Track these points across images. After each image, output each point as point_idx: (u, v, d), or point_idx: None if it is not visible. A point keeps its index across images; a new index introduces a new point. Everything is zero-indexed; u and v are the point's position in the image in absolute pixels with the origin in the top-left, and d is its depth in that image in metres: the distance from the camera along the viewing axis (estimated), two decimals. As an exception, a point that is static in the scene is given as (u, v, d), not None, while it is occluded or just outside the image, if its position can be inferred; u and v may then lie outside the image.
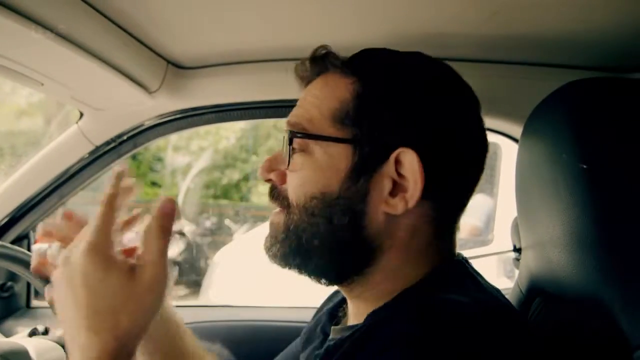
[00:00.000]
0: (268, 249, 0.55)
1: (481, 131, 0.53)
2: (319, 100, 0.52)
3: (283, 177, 0.54)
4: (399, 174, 0.48)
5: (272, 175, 0.55)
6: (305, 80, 0.58)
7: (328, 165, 0.50)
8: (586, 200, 0.49)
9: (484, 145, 0.53)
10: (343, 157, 0.49)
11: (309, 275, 0.53)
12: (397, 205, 0.48)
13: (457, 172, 0.51)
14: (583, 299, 0.52)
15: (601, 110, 0.51)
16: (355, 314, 0.55)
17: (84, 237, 0.44)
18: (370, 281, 0.51)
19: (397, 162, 0.48)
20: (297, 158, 0.51)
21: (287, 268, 0.54)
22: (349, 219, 0.49)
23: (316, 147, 0.50)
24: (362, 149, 0.49)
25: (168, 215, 0.45)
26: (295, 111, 0.55)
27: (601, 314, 0.49)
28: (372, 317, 0.47)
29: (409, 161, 0.47)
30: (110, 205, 0.45)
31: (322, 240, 0.50)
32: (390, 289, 0.50)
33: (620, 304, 0.47)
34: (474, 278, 0.52)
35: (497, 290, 0.52)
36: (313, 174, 0.50)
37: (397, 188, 0.48)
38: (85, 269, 0.43)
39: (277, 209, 0.55)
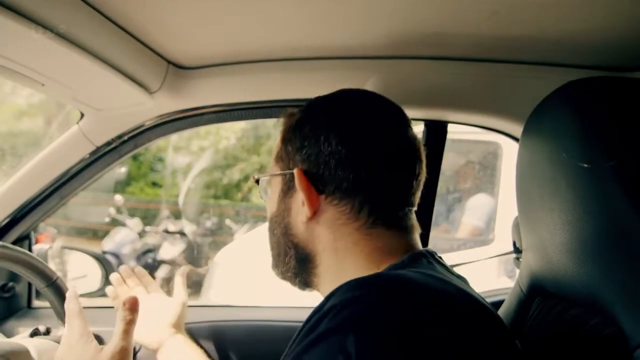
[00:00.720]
0: None
1: (386, 137, 0.60)
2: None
3: None
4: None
5: None
6: None
7: (272, 194, 0.66)
8: (587, 199, 0.49)
9: (393, 148, 0.60)
10: (279, 185, 0.64)
11: (286, 281, 0.67)
12: (305, 213, 0.59)
13: (359, 180, 0.58)
14: (584, 298, 0.52)
15: (602, 109, 0.51)
16: None
17: (70, 328, 0.70)
18: (324, 283, 0.61)
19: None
20: (267, 193, 0.68)
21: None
22: (282, 230, 0.63)
23: (270, 183, 0.67)
24: (285, 177, 0.63)
25: (130, 310, 0.68)
26: None
27: (602, 313, 0.49)
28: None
29: (297, 178, 0.59)
30: (78, 315, 0.71)
31: (274, 250, 0.66)
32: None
33: (621, 303, 0.47)
34: (432, 264, 0.55)
35: (462, 278, 0.56)
36: (268, 202, 0.67)
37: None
38: (69, 344, 0.69)
39: None
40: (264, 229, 0.67)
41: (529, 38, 0.78)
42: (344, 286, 0.47)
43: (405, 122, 0.63)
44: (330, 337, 0.42)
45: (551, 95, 0.57)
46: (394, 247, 0.58)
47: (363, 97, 0.65)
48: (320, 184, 0.59)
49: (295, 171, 0.60)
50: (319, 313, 0.45)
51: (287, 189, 0.63)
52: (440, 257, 0.59)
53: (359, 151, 0.58)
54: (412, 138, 0.62)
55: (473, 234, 2.71)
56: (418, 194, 0.62)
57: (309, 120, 0.63)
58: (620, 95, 0.53)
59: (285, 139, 0.64)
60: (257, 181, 0.70)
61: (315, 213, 0.59)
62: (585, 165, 0.48)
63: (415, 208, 0.62)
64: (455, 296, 0.48)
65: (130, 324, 0.67)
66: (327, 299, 0.47)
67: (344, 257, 0.59)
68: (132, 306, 0.68)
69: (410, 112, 0.65)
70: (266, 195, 0.68)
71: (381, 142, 0.59)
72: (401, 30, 0.78)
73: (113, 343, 0.66)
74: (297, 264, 0.63)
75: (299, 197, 0.60)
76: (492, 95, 0.89)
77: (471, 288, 0.55)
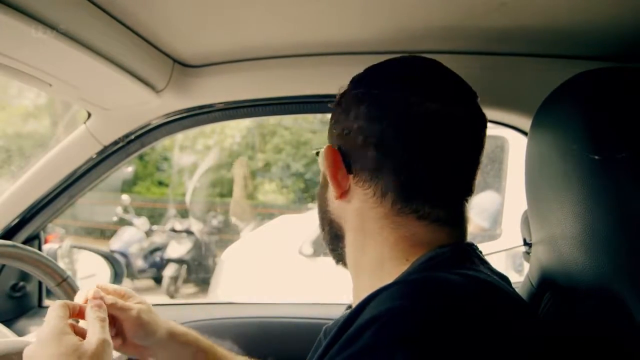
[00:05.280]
0: None
1: (425, 114, 0.53)
2: None
3: None
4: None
5: None
6: None
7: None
8: (598, 191, 0.48)
9: (433, 128, 0.53)
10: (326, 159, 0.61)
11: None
12: (334, 192, 0.58)
13: (383, 162, 0.53)
14: (596, 291, 0.51)
15: (612, 100, 0.51)
16: (355, 298, 0.60)
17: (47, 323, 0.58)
18: (349, 262, 0.60)
19: None
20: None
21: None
22: (321, 205, 0.63)
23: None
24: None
25: (100, 307, 0.61)
26: None
27: (614, 307, 0.48)
28: (366, 298, 0.47)
29: (325, 155, 0.58)
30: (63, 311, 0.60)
31: (319, 223, 0.65)
32: (366, 270, 0.56)
33: (634, 296, 0.47)
34: (474, 263, 0.52)
35: (505, 278, 0.53)
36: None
37: None
38: (44, 339, 0.56)
39: None
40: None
41: (536, 30, 0.77)
42: (385, 291, 0.44)
43: (461, 97, 0.55)
44: (375, 353, 0.38)
45: (560, 88, 0.56)
46: (425, 240, 0.53)
47: (409, 66, 0.59)
48: (349, 162, 0.56)
49: (324, 148, 0.59)
50: (358, 321, 0.42)
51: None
52: (481, 252, 0.56)
53: (386, 129, 0.52)
54: (468, 117, 0.55)
55: (479, 230, 2.71)
56: (473, 182, 0.57)
57: (347, 92, 0.59)
58: (631, 85, 0.52)
59: (333, 113, 0.62)
60: (317, 154, 0.66)
61: (345, 193, 0.57)
62: (596, 157, 0.48)
63: (469, 197, 0.57)
64: (504, 308, 0.45)
65: (104, 320, 0.60)
66: (365, 303, 0.44)
67: (369, 241, 0.56)
68: (100, 304, 0.62)
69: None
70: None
71: (416, 120, 0.52)
72: (408, 25, 0.78)
73: (95, 336, 0.57)
74: (330, 239, 0.63)
75: None
76: (500, 89, 0.89)
77: (513, 289, 0.52)
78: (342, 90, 0.61)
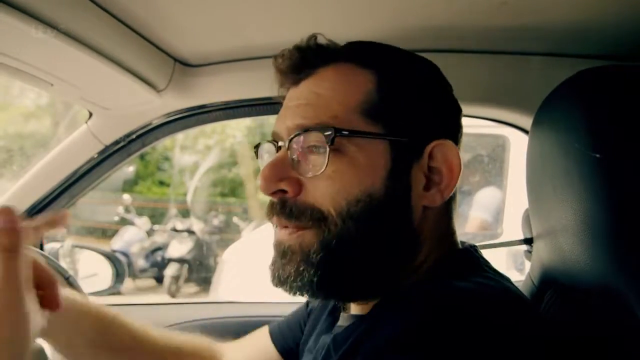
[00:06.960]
0: (293, 279, 0.45)
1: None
2: (338, 93, 0.47)
3: (299, 186, 0.47)
4: (429, 167, 0.48)
5: (283, 185, 0.47)
6: (295, 75, 0.52)
7: (367, 164, 0.45)
8: (599, 189, 0.48)
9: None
10: (380, 153, 0.46)
11: (350, 297, 0.49)
12: (435, 198, 0.47)
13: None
14: (597, 289, 0.51)
15: (613, 98, 0.51)
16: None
17: None
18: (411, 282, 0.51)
19: (430, 155, 0.48)
20: (331, 160, 0.44)
21: (321, 297, 0.49)
22: (401, 218, 0.46)
23: (350, 146, 0.45)
24: (398, 144, 0.46)
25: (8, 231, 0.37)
26: (305, 110, 0.48)
27: (616, 304, 0.48)
28: (379, 308, 0.46)
29: (444, 153, 0.47)
30: None
31: (376, 249, 0.46)
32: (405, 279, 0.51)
33: (636, 294, 0.47)
34: (481, 266, 0.52)
35: (507, 279, 0.53)
36: (353, 175, 0.45)
37: (429, 181, 0.48)
38: None
39: (292, 227, 0.47)
40: (271, 226, 0.52)
41: (537, 28, 0.77)
42: (407, 304, 0.40)
43: None
44: None
45: (561, 86, 0.56)
46: (454, 241, 0.54)
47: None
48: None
49: (446, 144, 0.47)
50: (377, 339, 0.39)
51: (402, 163, 0.46)
52: (480, 253, 0.55)
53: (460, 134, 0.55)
54: None
55: (482, 227, 2.70)
56: None
57: (429, 82, 0.53)
58: (632, 84, 0.52)
59: (390, 89, 0.47)
60: (333, 140, 0.44)
61: None
62: (598, 155, 0.48)
63: None
64: (521, 316, 0.44)
65: (10, 252, 0.37)
66: (379, 314, 0.41)
67: (428, 250, 0.49)
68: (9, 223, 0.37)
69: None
70: (334, 160, 0.45)
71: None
72: (408, 24, 0.78)
73: None
74: (402, 263, 0.48)
75: (420, 176, 0.47)
76: (501, 87, 0.89)
77: (516, 287, 0.51)
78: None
